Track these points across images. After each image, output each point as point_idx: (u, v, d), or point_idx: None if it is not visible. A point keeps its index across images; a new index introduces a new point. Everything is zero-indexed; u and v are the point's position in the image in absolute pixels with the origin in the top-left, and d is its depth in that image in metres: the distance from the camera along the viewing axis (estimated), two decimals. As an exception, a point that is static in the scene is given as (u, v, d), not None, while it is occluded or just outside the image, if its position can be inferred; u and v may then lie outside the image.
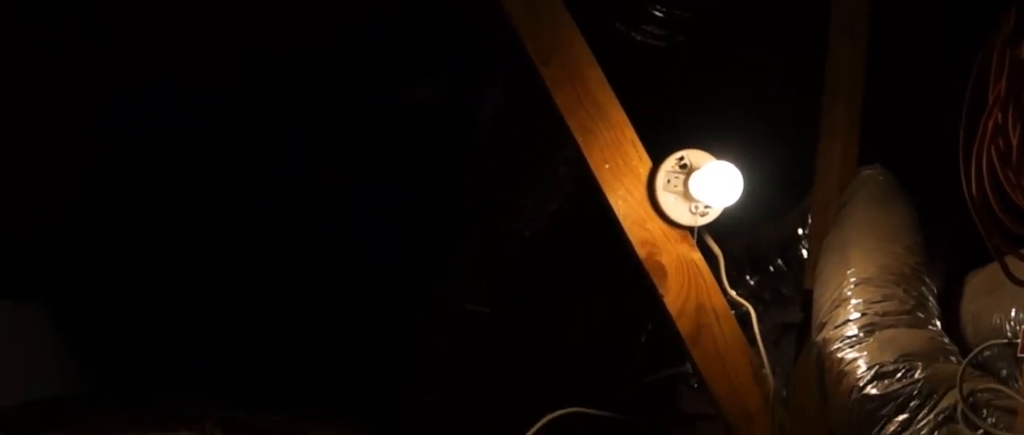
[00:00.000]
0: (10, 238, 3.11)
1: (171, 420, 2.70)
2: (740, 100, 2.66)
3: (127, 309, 3.27)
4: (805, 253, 2.47)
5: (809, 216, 2.43)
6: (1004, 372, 1.74)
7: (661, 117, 2.37)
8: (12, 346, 2.74)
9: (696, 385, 2.80)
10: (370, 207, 3.40)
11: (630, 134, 2.18)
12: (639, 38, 2.39)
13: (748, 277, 2.65)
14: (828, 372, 1.94)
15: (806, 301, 2.27)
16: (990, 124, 1.49)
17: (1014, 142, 1.45)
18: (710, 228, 2.26)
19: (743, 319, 2.28)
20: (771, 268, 2.61)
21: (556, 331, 2.97)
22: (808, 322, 2.19)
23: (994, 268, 1.67)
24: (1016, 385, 1.66)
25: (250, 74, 3.39)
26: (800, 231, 2.50)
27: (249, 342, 3.29)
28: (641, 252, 2.18)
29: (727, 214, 2.25)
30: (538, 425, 2.53)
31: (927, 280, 2.02)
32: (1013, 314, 1.72)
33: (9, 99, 3.00)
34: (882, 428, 1.79)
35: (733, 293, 2.27)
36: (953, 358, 1.85)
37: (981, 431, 1.64)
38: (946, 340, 1.91)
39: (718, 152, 2.24)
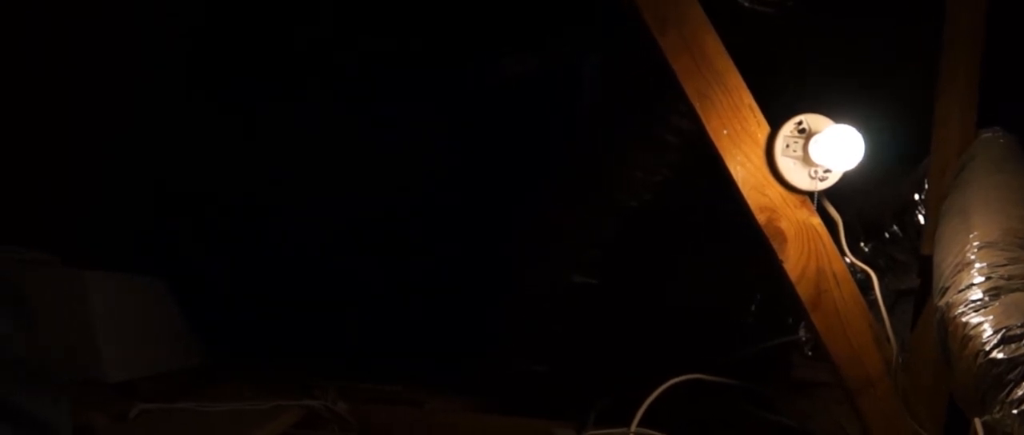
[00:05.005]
0: (135, 214, 3.22)
1: (294, 387, 2.79)
2: (853, 64, 2.63)
3: (246, 285, 3.36)
4: (921, 219, 2.44)
5: (925, 181, 2.39)
6: None
7: (773, 83, 2.35)
8: (142, 320, 2.84)
9: (809, 353, 2.79)
10: (475, 183, 3.43)
11: (747, 99, 2.17)
12: (747, 4, 2.39)
13: (862, 244, 2.63)
14: (952, 336, 1.90)
15: (924, 267, 2.24)
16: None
17: None
18: (824, 195, 2.25)
19: (862, 285, 2.25)
20: (886, 234, 2.58)
21: (664, 301, 2.97)
22: (926, 288, 2.16)
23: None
24: None
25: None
26: (916, 196, 2.46)
27: (361, 316, 3.37)
28: (760, 218, 2.17)
29: (839, 181, 2.23)
30: (659, 390, 2.53)
31: (1053, 244, 1.99)
32: None
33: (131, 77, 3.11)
34: (1009, 392, 1.75)
35: (853, 258, 2.24)
36: (1081, 322, 1.82)
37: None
38: (1073, 304, 1.88)
39: (831, 117, 2.21)
